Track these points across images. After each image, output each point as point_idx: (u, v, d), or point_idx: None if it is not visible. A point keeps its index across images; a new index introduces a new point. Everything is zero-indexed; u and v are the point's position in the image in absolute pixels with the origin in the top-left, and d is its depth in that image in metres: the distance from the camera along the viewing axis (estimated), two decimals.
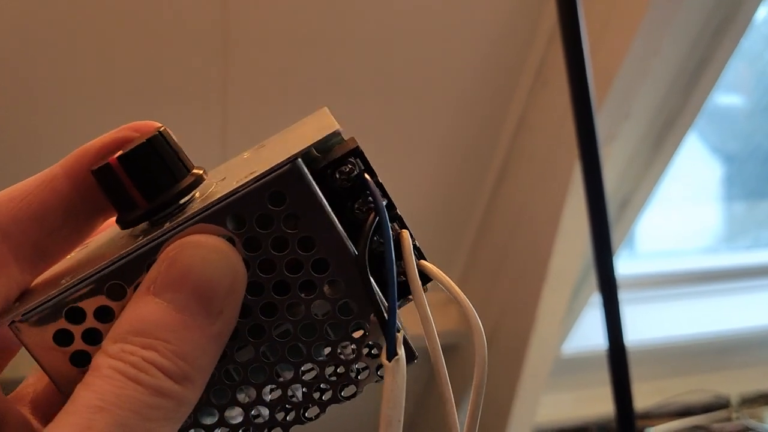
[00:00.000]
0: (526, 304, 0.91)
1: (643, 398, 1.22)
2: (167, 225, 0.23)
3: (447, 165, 0.90)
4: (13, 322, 0.22)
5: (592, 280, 0.90)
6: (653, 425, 1.21)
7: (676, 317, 1.24)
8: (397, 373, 0.25)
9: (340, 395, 0.26)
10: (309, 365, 0.25)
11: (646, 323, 1.23)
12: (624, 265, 1.24)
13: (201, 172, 0.24)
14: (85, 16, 0.65)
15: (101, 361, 0.21)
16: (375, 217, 0.24)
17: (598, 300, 0.57)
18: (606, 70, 0.73)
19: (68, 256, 0.25)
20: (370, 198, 0.24)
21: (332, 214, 0.23)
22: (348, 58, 0.75)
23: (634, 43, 0.70)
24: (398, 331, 0.25)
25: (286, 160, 0.22)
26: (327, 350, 0.25)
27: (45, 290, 0.23)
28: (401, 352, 0.25)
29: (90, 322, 0.23)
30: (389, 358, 0.24)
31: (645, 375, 1.24)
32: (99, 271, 0.22)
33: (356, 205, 0.24)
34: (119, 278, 0.23)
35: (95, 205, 0.24)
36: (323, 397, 0.25)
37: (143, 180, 0.23)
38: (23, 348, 0.24)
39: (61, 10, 0.64)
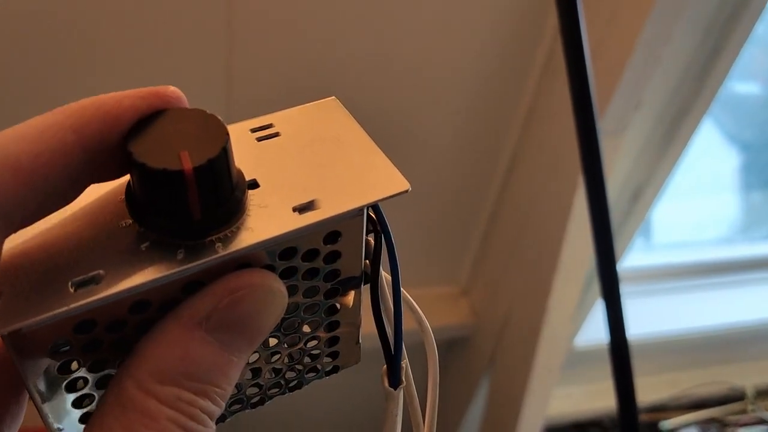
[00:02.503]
0: (537, 296, 0.91)
1: (657, 391, 1.22)
2: (219, 248, 0.21)
3: (457, 156, 0.89)
4: (14, 331, 0.19)
5: None
6: (668, 418, 1.20)
7: (691, 309, 1.23)
8: (400, 399, 0.26)
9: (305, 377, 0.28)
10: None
11: (662, 315, 1.22)
12: (640, 257, 1.23)
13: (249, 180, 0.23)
14: None
15: (154, 407, 0.19)
16: (377, 248, 0.25)
17: (600, 293, 0.56)
18: (616, 58, 0.72)
19: (48, 224, 0.22)
20: (381, 231, 0.25)
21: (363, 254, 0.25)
22: (355, 46, 0.75)
23: (645, 31, 0.69)
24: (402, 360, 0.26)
25: (356, 209, 0.22)
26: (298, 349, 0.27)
27: (40, 287, 0.20)
28: (405, 380, 0.26)
29: (97, 333, 0.21)
30: (394, 387, 0.26)
31: (659, 367, 1.23)
32: (131, 288, 0.20)
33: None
34: (151, 296, 0.21)
35: (95, 171, 0.21)
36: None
37: (208, 194, 0.20)
38: None
39: None
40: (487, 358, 1.06)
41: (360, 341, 0.28)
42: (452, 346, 1.11)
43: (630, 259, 1.16)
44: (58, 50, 0.67)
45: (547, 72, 0.82)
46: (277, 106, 0.26)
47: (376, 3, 0.72)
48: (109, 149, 0.21)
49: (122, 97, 0.21)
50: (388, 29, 0.74)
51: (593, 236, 0.53)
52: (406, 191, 0.23)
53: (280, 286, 0.22)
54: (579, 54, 0.48)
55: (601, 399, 1.20)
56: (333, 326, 0.27)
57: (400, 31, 0.75)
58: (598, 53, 0.74)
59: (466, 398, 1.12)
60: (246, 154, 0.23)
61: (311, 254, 0.23)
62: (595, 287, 1.01)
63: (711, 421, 1.21)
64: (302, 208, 0.22)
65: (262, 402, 0.28)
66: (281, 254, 0.22)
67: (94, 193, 0.22)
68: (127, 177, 0.22)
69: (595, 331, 1.11)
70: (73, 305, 0.19)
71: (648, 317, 1.19)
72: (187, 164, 0.20)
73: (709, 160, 1.40)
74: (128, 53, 0.69)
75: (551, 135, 0.84)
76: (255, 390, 0.27)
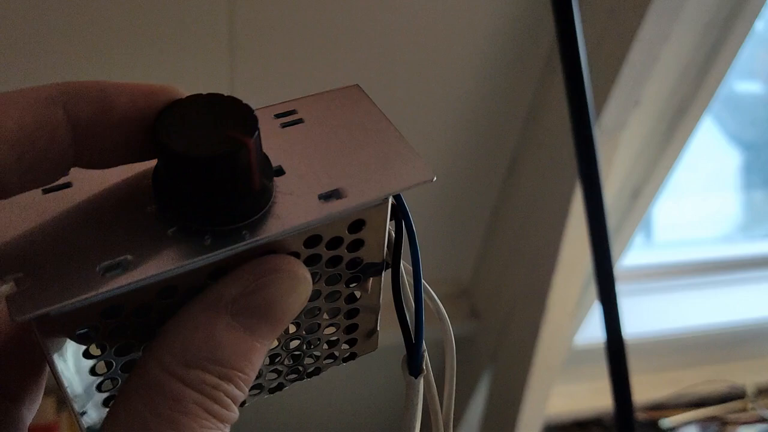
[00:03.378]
0: (538, 295, 0.91)
1: (657, 389, 1.22)
2: (246, 235, 0.21)
3: (457, 155, 0.90)
4: (43, 315, 0.19)
5: None
6: (668, 416, 1.20)
7: (692, 307, 1.23)
8: (420, 387, 0.26)
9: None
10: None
11: (662, 313, 1.22)
12: (641, 255, 1.23)
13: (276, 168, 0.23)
14: None
15: (179, 390, 0.19)
16: (398, 236, 0.25)
17: (596, 292, 0.57)
18: (615, 56, 0.72)
19: (70, 205, 0.22)
20: (402, 218, 0.25)
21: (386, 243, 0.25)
22: (355, 46, 0.75)
23: (644, 29, 0.69)
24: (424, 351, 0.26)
25: (381, 198, 0.22)
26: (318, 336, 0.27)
27: (67, 270, 0.19)
28: (427, 369, 0.26)
29: (124, 318, 0.21)
30: (415, 374, 0.26)
31: (660, 365, 1.23)
32: (160, 273, 0.20)
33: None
34: (178, 281, 0.21)
35: (83, 153, 0.21)
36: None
37: (231, 183, 0.20)
38: None
39: None
40: (488, 356, 1.06)
41: (378, 329, 0.28)
42: (465, 343, 1.11)
43: (630, 257, 1.16)
44: (59, 46, 0.67)
45: (547, 72, 0.82)
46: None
47: (377, 2, 0.72)
48: (99, 135, 0.20)
49: (124, 87, 0.20)
50: (389, 29, 0.74)
51: (589, 235, 0.53)
52: (432, 180, 0.23)
53: (305, 273, 0.22)
54: (574, 54, 0.48)
55: (602, 397, 1.19)
56: (352, 314, 0.27)
57: (401, 31, 0.75)
58: (596, 51, 0.74)
59: (466, 396, 1.12)
60: (271, 140, 0.23)
61: (335, 242, 0.23)
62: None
63: (711, 419, 1.21)
64: (328, 196, 0.22)
65: (280, 388, 0.28)
66: (306, 242, 0.22)
67: (119, 176, 0.22)
68: (154, 161, 0.22)
69: (596, 329, 1.11)
70: (102, 290, 0.19)
71: (648, 315, 1.19)
72: (210, 151, 0.20)
73: (710, 158, 1.40)
74: (130, 46, 0.69)
75: (551, 134, 0.84)
76: (273, 376, 0.27)
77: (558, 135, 0.83)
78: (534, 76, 0.84)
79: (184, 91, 0.21)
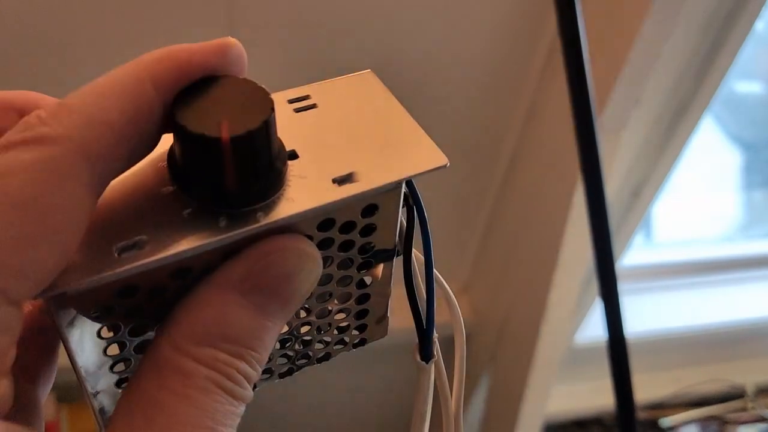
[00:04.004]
0: (537, 293, 0.91)
1: (658, 388, 1.22)
2: (260, 217, 0.21)
3: (458, 153, 0.90)
4: (59, 294, 0.19)
5: None
6: (668, 415, 1.20)
7: (692, 306, 1.23)
8: (431, 372, 0.27)
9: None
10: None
11: (663, 312, 1.22)
12: (641, 254, 1.23)
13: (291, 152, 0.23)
14: None
15: (191, 367, 0.19)
16: (410, 222, 0.25)
17: (598, 290, 0.57)
18: (616, 55, 0.72)
19: None
20: (413, 205, 0.25)
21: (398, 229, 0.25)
22: (355, 44, 0.75)
23: (644, 28, 0.69)
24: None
25: (394, 182, 0.23)
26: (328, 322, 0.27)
27: (84, 250, 0.20)
28: (437, 355, 0.26)
29: (139, 298, 0.21)
30: (426, 360, 0.26)
31: (660, 364, 1.23)
32: (175, 254, 0.20)
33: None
34: (192, 263, 0.21)
35: (168, 123, 0.21)
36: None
37: (245, 165, 0.20)
38: None
39: None
40: (488, 355, 1.06)
41: (388, 315, 0.28)
42: (452, 344, 1.11)
43: (631, 257, 1.16)
44: (60, 38, 0.67)
45: (547, 70, 0.82)
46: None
47: (378, 2, 0.72)
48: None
49: (195, 50, 0.21)
50: (390, 28, 0.74)
51: (591, 234, 0.53)
52: (445, 166, 0.23)
53: (313, 251, 0.22)
54: (577, 52, 0.48)
55: (602, 396, 1.20)
56: (363, 299, 0.27)
57: (402, 31, 0.75)
58: (597, 50, 0.74)
59: (466, 395, 1.12)
60: (284, 124, 0.23)
61: (348, 226, 0.23)
62: (595, 284, 1.01)
63: (711, 418, 1.21)
64: (341, 180, 0.22)
65: (290, 372, 0.28)
66: (320, 225, 0.22)
67: None
68: (170, 143, 0.22)
69: (596, 328, 1.12)
70: (119, 269, 0.19)
71: (649, 315, 1.19)
72: (225, 133, 0.19)
73: (710, 158, 1.40)
74: (129, 37, 0.69)
75: (551, 133, 0.84)
76: (284, 360, 0.27)
77: (558, 133, 0.83)
78: (534, 73, 0.84)
79: (237, 41, 0.22)
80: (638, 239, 1.21)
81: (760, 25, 0.79)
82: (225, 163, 0.20)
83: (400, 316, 0.29)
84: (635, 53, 0.71)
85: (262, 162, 0.21)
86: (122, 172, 0.20)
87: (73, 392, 0.87)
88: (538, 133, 0.87)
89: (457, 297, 1.02)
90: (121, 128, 0.19)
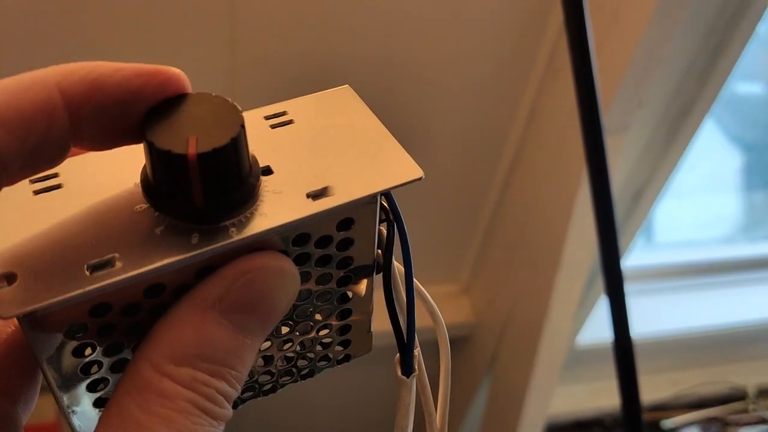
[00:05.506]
0: (539, 294, 0.91)
1: (659, 390, 1.22)
2: (233, 233, 0.21)
3: (459, 154, 0.90)
4: (30, 313, 0.19)
5: None
6: (669, 417, 1.20)
7: (693, 308, 1.23)
8: (413, 387, 0.26)
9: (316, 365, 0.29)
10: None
11: (664, 314, 1.22)
12: (641, 256, 1.23)
13: (263, 167, 0.23)
14: None
15: (170, 388, 0.19)
16: (389, 236, 0.25)
17: (604, 292, 0.56)
18: (618, 57, 0.72)
19: (63, 204, 0.22)
20: (393, 219, 0.25)
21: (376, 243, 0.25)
22: (356, 45, 0.75)
23: (647, 30, 0.69)
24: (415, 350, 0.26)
25: (369, 196, 0.23)
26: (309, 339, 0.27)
27: (56, 269, 0.20)
28: (418, 369, 0.26)
29: (112, 316, 0.21)
30: (407, 375, 0.26)
31: (661, 366, 1.23)
32: (147, 271, 0.20)
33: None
34: (165, 280, 0.21)
35: (81, 135, 0.21)
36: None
37: (213, 182, 0.20)
38: None
39: None
40: (489, 356, 1.06)
41: (371, 330, 0.28)
42: (453, 345, 1.10)
43: (631, 259, 1.16)
44: (56, 39, 0.67)
45: (549, 72, 0.82)
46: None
47: (378, 2, 0.72)
48: (92, 114, 0.20)
49: (119, 69, 0.20)
50: (391, 29, 0.74)
51: (597, 234, 0.53)
52: (420, 179, 0.23)
53: (292, 268, 0.22)
54: (585, 52, 0.48)
55: (603, 398, 1.20)
56: (345, 314, 0.27)
57: (403, 31, 0.75)
58: (600, 52, 0.74)
59: (467, 397, 1.12)
60: (260, 140, 0.24)
61: (324, 241, 0.23)
62: (597, 285, 1.01)
63: (712, 420, 1.21)
64: (316, 195, 0.22)
65: (274, 390, 0.28)
66: (294, 240, 0.23)
67: (109, 175, 0.22)
68: (144, 160, 0.22)
69: (597, 329, 1.12)
70: (89, 288, 0.19)
71: (649, 316, 1.19)
72: (192, 149, 0.20)
73: (711, 160, 1.40)
74: (131, 35, 0.69)
75: (553, 134, 0.84)
76: (267, 377, 0.28)
77: (560, 133, 0.83)
78: (535, 77, 0.84)
79: (180, 71, 0.21)
80: (639, 241, 1.21)
81: (761, 27, 0.79)
82: (193, 179, 0.20)
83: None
84: (637, 55, 0.71)
85: (232, 178, 0.21)
86: (23, 171, 0.20)
87: None
88: (540, 134, 0.87)
89: (458, 297, 1.02)
90: (15, 128, 0.19)
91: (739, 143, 1.42)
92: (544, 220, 0.89)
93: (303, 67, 0.75)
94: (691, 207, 1.38)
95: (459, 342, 1.10)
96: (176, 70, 0.21)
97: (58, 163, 0.21)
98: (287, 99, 0.26)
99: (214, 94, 0.22)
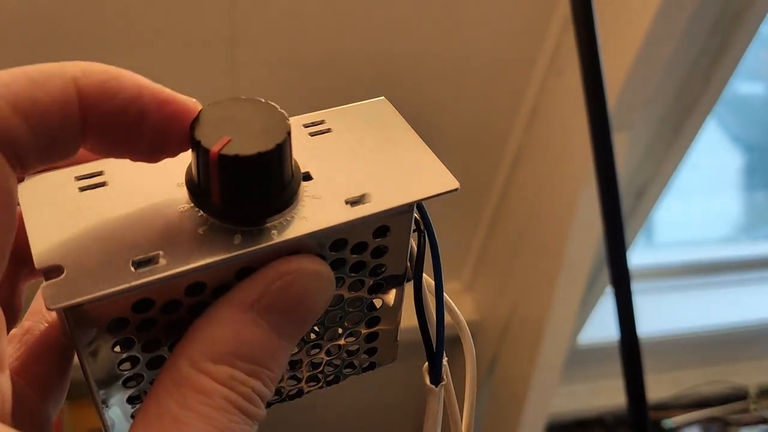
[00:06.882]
0: (541, 294, 0.91)
1: (660, 389, 1.22)
2: (274, 235, 0.21)
3: (461, 152, 0.90)
4: (76, 306, 0.19)
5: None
6: (670, 416, 1.20)
7: (694, 308, 1.23)
8: (441, 396, 0.27)
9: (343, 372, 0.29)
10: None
11: (665, 314, 1.22)
12: (642, 255, 1.23)
13: (304, 173, 0.24)
14: None
15: (208, 385, 0.20)
16: (421, 247, 0.26)
17: (611, 291, 0.57)
18: (622, 56, 0.72)
19: (110, 203, 0.22)
20: (424, 230, 0.25)
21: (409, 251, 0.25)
22: (357, 45, 0.75)
23: (651, 29, 0.69)
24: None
25: (407, 204, 0.23)
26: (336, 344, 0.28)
27: (102, 264, 0.20)
28: (447, 378, 0.27)
29: (154, 312, 0.21)
30: (435, 384, 0.27)
31: (662, 366, 1.23)
32: (190, 269, 0.20)
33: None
34: (207, 278, 0.21)
35: (93, 134, 0.21)
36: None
37: (259, 184, 0.21)
38: None
39: None
40: (491, 354, 1.06)
41: (398, 340, 0.29)
42: (454, 343, 1.11)
43: (632, 258, 1.16)
44: (62, 36, 0.67)
45: (551, 70, 0.82)
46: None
47: (378, 2, 0.72)
48: (103, 115, 0.20)
49: (140, 86, 0.20)
50: (391, 28, 0.74)
51: (604, 231, 0.53)
52: (456, 190, 0.24)
53: (328, 272, 0.22)
54: (592, 48, 0.48)
55: (605, 396, 1.20)
56: (373, 323, 0.27)
57: (403, 30, 0.75)
58: (603, 51, 0.74)
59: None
60: (299, 147, 0.24)
61: (360, 247, 0.24)
62: (599, 284, 1.01)
63: (713, 420, 1.21)
64: (354, 201, 0.23)
65: (299, 394, 0.29)
66: (332, 245, 0.23)
67: (151, 175, 0.23)
68: (189, 161, 0.22)
69: (599, 328, 1.12)
70: (134, 283, 0.20)
71: (651, 316, 1.19)
72: (216, 147, 0.20)
73: (713, 159, 1.40)
74: (131, 35, 0.69)
75: (555, 132, 0.84)
76: (293, 382, 0.28)
77: (562, 132, 0.83)
78: (538, 76, 0.84)
79: (197, 103, 0.22)
80: (640, 240, 1.21)
81: (764, 27, 0.79)
82: (241, 181, 0.21)
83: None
84: (641, 55, 0.71)
85: (277, 181, 0.21)
86: (39, 161, 0.20)
87: (75, 390, 0.87)
88: (542, 132, 0.87)
89: (460, 296, 1.02)
90: (28, 113, 0.19)
91: (740, 143, 1.43)
92: (546, 219, 0.89)
93: (303, 67, 0.75)
94: (692, 206, 1.38)
95: (461, 340, 1.09)
96: (194, 103, 0.22)
97: (70, 160, 0.21)
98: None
99: (259, 99, 0.22)
